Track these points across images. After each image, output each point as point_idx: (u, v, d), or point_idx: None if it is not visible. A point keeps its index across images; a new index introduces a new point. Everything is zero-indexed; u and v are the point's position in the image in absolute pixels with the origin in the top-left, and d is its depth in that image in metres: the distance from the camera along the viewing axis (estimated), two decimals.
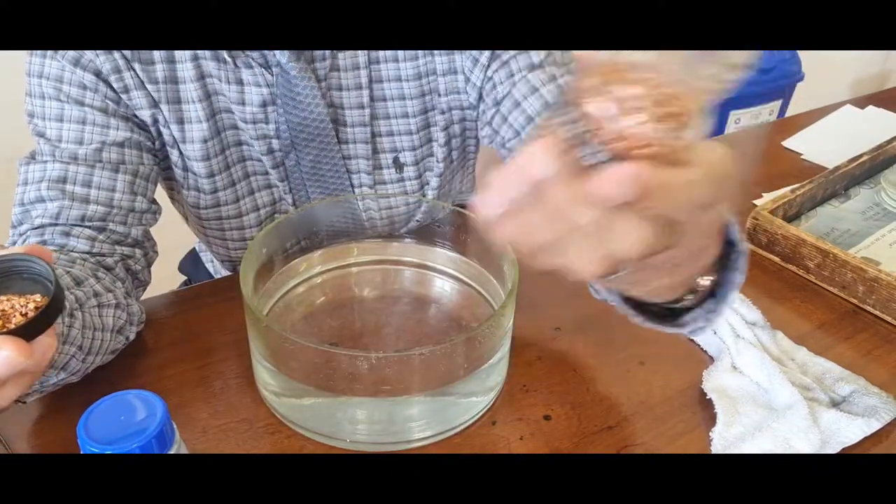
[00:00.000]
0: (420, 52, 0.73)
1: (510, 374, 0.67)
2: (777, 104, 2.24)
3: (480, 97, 0.75)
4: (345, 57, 0.71)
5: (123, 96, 0.68)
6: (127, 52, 0.67)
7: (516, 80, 0.71)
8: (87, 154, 0.67)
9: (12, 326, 0.40)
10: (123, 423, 0.46)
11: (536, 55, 0.72)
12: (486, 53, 0.72)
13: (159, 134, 0.71)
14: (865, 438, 0.61)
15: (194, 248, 1.05)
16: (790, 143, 1.14)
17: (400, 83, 0.74)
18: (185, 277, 1.05)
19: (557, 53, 0.73)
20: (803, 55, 2.20)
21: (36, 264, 0.43)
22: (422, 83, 0.74)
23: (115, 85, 0.68)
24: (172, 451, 0.48)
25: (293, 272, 0.71)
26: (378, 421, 0.60)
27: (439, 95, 0.75)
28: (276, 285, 0.70)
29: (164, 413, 0.46)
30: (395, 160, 0.77)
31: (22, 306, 0.41)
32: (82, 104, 0.67)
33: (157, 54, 0.68)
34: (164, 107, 0.70)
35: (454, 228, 0.72)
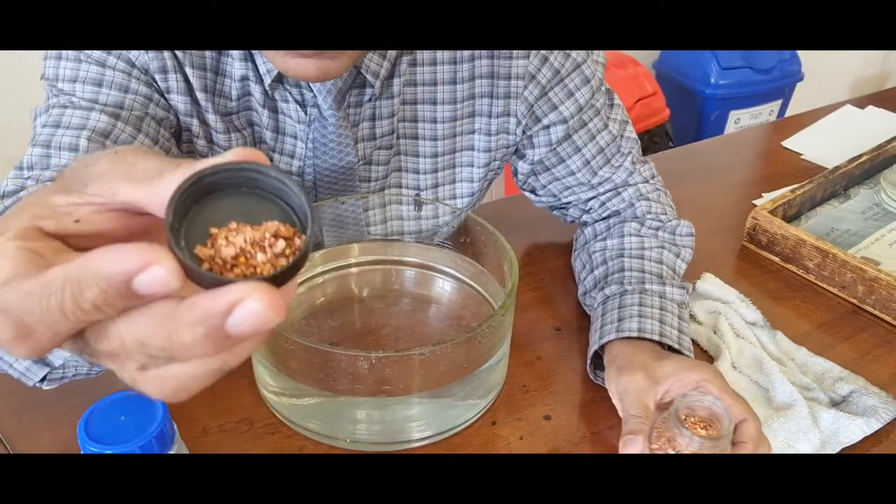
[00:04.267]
0: (459, 97, 0.72)
1: (510, 374, 0.67)
2: (777, 104, 2.24)
3: (524, 132, 0.76)
4: (380, 105, 0.70)
5: (165, 95, 0.65)
6: (178, 53, 0.64)
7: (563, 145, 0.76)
8: (131, 118, 0.61)
9: (260, 271, 0.28)
10: (123, 423, 0.46)
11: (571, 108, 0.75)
12: (535, 92, 0.72)
13: (190, 140, 0.69)
14: (865, 438, 0.62)
15: None
16: (790, 143, 1.14)
17: (434, 125, 0.73)
18: None
19: (598, 101, 0.76)
20: (803, 55, 2.20)
21: (266, 177, 0.29)
22: (455, 125, 0.74)
23: (159, 84, 0.65)
24: (172, 451, 0.48)
25: None
26: (378, 421, 0.60)
27: (488, 136, 0.75)
28: None
29: (164, 413, 0.46)
30: (416, 196, 0.77)
31: (261, 240, 0.28)
32: (129, 74, 0.63)
33: (209, 62, 0.65)
34: (211, 116, 0.67)
35: (454, 229, 0.72)
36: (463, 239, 0.72)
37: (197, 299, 0.27)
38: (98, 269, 0.26)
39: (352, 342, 0.68)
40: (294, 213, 0.29)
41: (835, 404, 0.66)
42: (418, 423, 0.60)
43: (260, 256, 0.28)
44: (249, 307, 0.26)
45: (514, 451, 0.60)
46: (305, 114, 0.68)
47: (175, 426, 0.48)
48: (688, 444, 0.52)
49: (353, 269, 0.75)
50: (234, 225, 0.29)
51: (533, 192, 0.82)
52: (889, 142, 1.03)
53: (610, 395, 0.63)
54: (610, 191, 0.80)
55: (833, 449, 0.61)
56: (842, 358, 0.70)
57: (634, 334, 0.63)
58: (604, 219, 0.80)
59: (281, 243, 0.28)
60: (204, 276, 0.27)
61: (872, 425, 0.62)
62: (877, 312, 0.77)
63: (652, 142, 1.95)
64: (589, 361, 0.66)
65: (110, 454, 0.44)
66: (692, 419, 0.54)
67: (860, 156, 0.99)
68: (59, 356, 0.51)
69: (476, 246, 0.71)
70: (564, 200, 0.81)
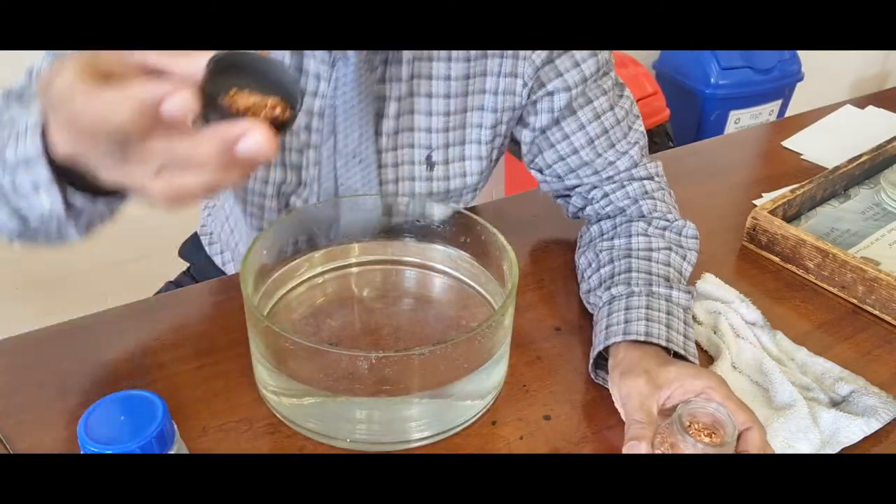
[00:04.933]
0: (473, 54, 0.74)
1: (510, 374, 0.67)
2: (777, 104, 2.24)
3: (528, 96, 0.78)
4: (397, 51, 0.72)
5: None
6: None
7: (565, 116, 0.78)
8: None
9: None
10: (123, 423, 0.46)
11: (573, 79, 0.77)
12: (543, 55, 0.74)
13: None
14: (865, 438, 0.62)
15: (195, 233, 1.05)
16: (790, 143, 1.14)
17: (448, 82, 0.74)
18: (183, 266, 1.04)
19: (606, 84, 0.78)
20: (803, 55, 2.20)
21: (273, 66, 0.42)
22: (468, 83, 0.75)
23: None
24: (172, 451, 0.48)
25: (294, 272, 0.71)
26: (378, 421, 0.60)
27: (494, 95, 0.77)
28: (277, 285, 0.70)
29: (164, 413, 0.46)
30: (428, 157, 0.78)
31: (263, 105, 0.41)
32: None
33: None
34: None
35: (454, 228, 0.72)
36: (463, 239, 0.72)
37: (217, 126, 0.38)
38: (137, 92, 0.37)
39: (352, 342, 0.68)
40: (290, 94, 0.42)
41: (835, 404, 0.66)
42: (418, 423, 0.60)
43: (263, 114, 0.41)
44: (255, 136, 0.38)
45: (514, 451, 0.60)
46: (329, 54, 0.70)
47: (175, 426, 0.48)
48: (691, 450, 0.52)
49: (353, 269, 0.75)
50: (246, 91, 0.41)
51: (540, 171, 0.83)
52: (889, 142, 1.03)
53: (613, 398, 0.63)
54: (614, 181, 0.80)
55: (833, 449, 0.61)
56: (842, 358, 0.70)
57: (642, 338, 0.63)
58: (608, 216, 0.80)
59: (278, 110, 0.41)
60: (224, 110, 0.40)
61: (872, 425, 0.62)
62: (877, 312, 0.77)
63: (652, 142, 1.95)
64: (592, 361, 0.66)
65: (110, 454, 0.44)
66: (696, 426, 0.54)
67: (860, 156, 0.99)
68: (80, 200, 0.52)
69: (476, 246, 0.71)
70: (569, 184, 0.82)
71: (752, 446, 0.55)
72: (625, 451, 0.56)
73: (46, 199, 0.49)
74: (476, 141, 0.79)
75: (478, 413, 0.62)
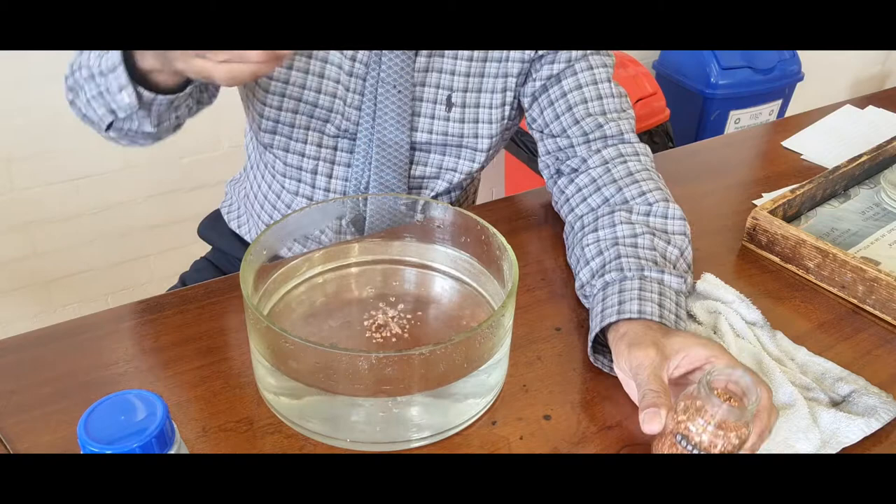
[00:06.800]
0: None
1: (510, 374, 0.67)
2: (777, 104, 2.24)
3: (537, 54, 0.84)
4: None
5: None
6: None
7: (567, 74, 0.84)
8: None
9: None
10: (123, 422, 0.46)
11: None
12: None
13: None
14: (865, 438, 0.62)
15: (216, 211, 1.05)
16: (790, 143, 1.14)
17: None
18: (201, 249, 1.05)
19: (609, 71, 0.86)
20: (803, 55, 2.20)
21: None
22: None
23: None
24: (172, 451, 0.48)
25: (293, 272, 0.71)
26: (378, 421, 0.60)
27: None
28: (277, 285, 0.70)
29: (164, 413, 0.46)
30: (448, 98, 0.84)
31: None
32: None
33: None
34: None
35: (454, 228, 0.72)
36: (463, 239, 0.72)
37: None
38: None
39: (352, 342, 0.68)
40: None
41: (835, 404, 0.66)
42: (418, 423, 0.60)
43: None
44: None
45: (514, 451, 0.60)
46: None
47: (175, 426, 0.48)
48: (719, 412, 0.53)
49: (353, 269, 0.75)
50: None
51: (541, 132, 0.87)
52: (889, 142, 1.03)
53: (616, 371, 0.64)
54: (601, 154, 0.81)
55: (833, 449, 0.61)
56: (842, 358, 0.70)
57: (635, 315, 0.65)
58: (591, 209, 0.80)
59: None
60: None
61: (872, 425, 0.62)
62: (877, 312, 0.77)
63: (652, 142, 1.95)
64: (590, 346, 0.67)
65: (110, 454, 0.44)
66: (715, 391, 0.55)
67: (860, 156, 0.99)
68: (146, 95, 0.67)
69: (476, 246, 0.71)
70: (562, 153, 0.84)
71: (762, 407, 0.56)
72: (642, 417, 0.56)
73: (126, 95, 0.66)
74: (491, 91, 0.85)
75: (478, 413, 0.63)
